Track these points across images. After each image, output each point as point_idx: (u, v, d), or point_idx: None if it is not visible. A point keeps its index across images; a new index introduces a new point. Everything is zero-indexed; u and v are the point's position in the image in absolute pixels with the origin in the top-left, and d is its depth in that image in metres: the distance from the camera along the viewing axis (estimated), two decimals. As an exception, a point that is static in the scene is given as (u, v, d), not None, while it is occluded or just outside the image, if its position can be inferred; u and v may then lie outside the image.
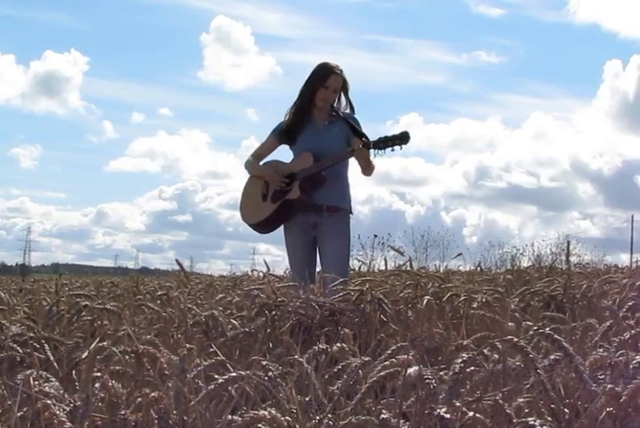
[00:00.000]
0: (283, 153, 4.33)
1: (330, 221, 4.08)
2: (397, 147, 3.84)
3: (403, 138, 3.82)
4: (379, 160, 3.98)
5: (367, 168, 4.07)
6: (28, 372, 1.33)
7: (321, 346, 1.56)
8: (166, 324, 2.36)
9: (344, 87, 4.14)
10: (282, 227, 4.22)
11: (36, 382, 1.32)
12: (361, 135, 4.04)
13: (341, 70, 4.10)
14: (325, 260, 4.09)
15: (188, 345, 1.60)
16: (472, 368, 1.38)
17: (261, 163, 4.31)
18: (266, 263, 4.13)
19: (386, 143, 3.85)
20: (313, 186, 4.08)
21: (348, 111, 4.19)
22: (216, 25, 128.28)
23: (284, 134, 4.20)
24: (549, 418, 1.25)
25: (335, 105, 4.18)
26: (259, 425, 1.13)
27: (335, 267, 3.77)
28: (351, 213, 4.20)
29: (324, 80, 4.07)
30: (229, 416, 1.24)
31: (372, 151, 3.91)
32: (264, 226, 4.28)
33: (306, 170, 4.06)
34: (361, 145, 3.91)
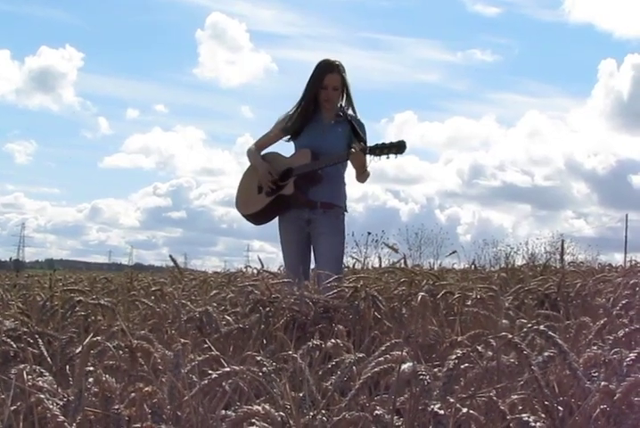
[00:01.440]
0: (283, 146, 4.35)
1: (324, 218, 4.09)
2: (392, 156, 3.84)
3: (399, 147, 3.82)
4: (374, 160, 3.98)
5: (361, 175, 4.07)
6: (22, 366, 1.33)
7: (315, 342, 1.56)
8: (160, 319, 2.35)
9: (344, 84, 4.13)
10: (276, 224, 4.24)
11: (30, 377, 1.31)
12: (361, 139, 4.05)
13: (339, 66, 4.08)
14: (319, 258, 4.09)
15: (182, 340, 1.60)
16: (466, 365, 1.38)
17: (262, 153, 4.31)
18: (260, 260, 4.15)
19: (382, 150, 3.85)
20: (308, 184, 4.09)
21: (350, 111, 4.19)
22: (211, 22, 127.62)
23: (290, 128, 4.21)
24: (543, 415, 1.25)
25: (344, 105, 4.18)
26: (253, 421, 1.13)
27: (329, 264, 3.77)
28: (346, 211, 4.21)
29: (321, 81, 4.08)
30: (223, 411, 1.24)
31: (367, 156, 3.91)
32: (256, 218, 4.32)
33: (303, 167, 4.07)
34: (358, 149, 3.92)
